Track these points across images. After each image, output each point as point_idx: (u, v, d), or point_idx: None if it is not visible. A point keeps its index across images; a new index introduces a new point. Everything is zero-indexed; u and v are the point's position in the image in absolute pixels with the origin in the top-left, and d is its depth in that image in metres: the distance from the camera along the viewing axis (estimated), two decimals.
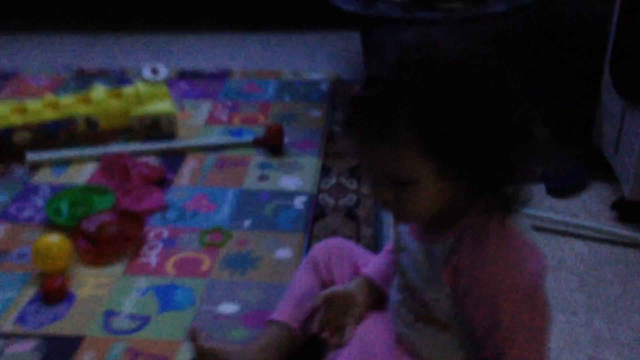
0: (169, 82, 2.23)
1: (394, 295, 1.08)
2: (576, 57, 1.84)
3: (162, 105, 1.96)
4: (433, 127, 0.80)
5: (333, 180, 1.80)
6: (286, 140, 1.96)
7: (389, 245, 1.18)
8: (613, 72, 1.69)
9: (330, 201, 1.71)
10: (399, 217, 0.97)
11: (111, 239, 1.47)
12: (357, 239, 1.54)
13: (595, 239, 1.59)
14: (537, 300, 0.90)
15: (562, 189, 1.77)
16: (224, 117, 2.13)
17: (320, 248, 1.25)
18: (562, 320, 1.35)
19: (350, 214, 1.65)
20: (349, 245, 1.26)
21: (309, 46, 2.78)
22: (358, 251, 1.26)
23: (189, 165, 1.86)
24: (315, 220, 1.63)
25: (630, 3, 1.61)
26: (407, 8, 1.87)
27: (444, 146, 0.81)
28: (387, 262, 1.16)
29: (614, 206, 1.68)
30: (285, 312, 1.18)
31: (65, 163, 1.85)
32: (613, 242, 1.58)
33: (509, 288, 0.88)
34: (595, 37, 1.79)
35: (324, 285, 1.21)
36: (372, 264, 1.18)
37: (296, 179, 1.80)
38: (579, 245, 1.58)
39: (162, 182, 1.76)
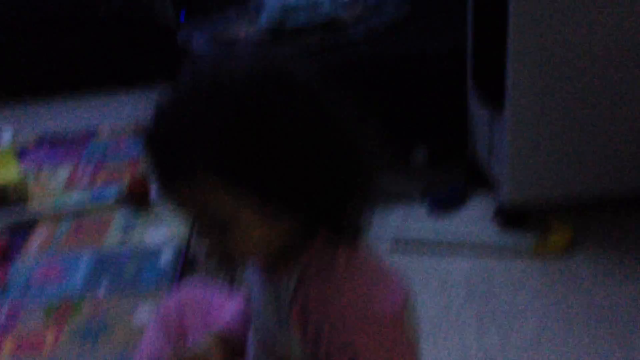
0: (25, 150, 2.05)
1: (250, 348, 0.94)
2: (440, 77, 1.82)
3: (7, 173, 1.77)
4: (231, 163, 0.69)
5: None
6: (153, 193, 1.80)
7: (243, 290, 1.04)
8: (476, 85, 1.67)
9: (200, 253, 1.56)
10: (228, 261, 0.83)
11: None
12: (232, 284, 1.40)
13: (479, 254, 1.52)
14: (398, 333, 0.78)
15: (442, 206, 1.70)
16: (85, 180, 1.95)
17: (171, 303, 1.09)
18: (453, 337, 1.25)
19: (220, 264, 1.50)
20: (206, 294, 1.11)
21: None
22: (216, 298, 1.11)
23: (39, 235, 1.66)
24: (185, 274, 1.47)
25: (483, 19, 1.60)
26: (265, 45, 1.79)
27: (250, 183, 0.70)
28: (243, 308, 1.02)
29: (495, 215, 1.62)
30: None
31: None
32: (499, 255, 1.51)
33: (364, 321, 0.76)
34: (454, 56, 1.77)
35: (176, 347, 1.05)
36: (227, 313, 1.03)
37: (162, 232, 1.63)
38: (464, 262, 1.50)
39: (5, 258, 1.55)
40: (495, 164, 1.61)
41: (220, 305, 1.09)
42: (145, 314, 1.33)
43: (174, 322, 1.05)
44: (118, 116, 2.46)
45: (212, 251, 0.77)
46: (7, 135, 1.84)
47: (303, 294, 0.77)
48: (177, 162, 0.69)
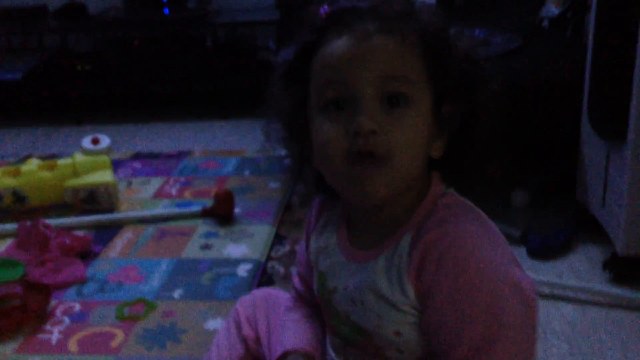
0: (121, 162, 2.07)
1: (332, 353, 0.84)
2: (550, 109, 1.70)
3: (100, 176, 1.78)
4: (440, 53, 0.70)
5: (286, 248, 1.59)
6: (238, 210, 1.77)
7: (291, 300, 0.94)
8: (592, 114, 1.53)
9: (280, 269, 1.49)
10: (379, 157, 0.66)
11: (8, 311, 1.23)
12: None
13: (585, 302, 1.35)
14: (532, 315, 0.67)
15: (545, 249, 1.55)
16: (174, 191, 1.95)
17: (244, 302, 1.02)
18: None
19: None
20: (280, 295, 1.02)
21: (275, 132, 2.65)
22: (285, 296, 1.02)
23: (124, 238, 1.64)
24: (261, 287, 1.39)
25: (605, 48, 1.48)
26: None
27: (445, 78, 0.70)
28: (307, 317, 0.91)
29: (606, 265, 1.45)
30: None
31: None
32: (606, 305, 1.34)
33: (491, 268, 0.65)
34: (566, 87, 1.66)
35: (249, 348, 0.96)
36: (295, 330, 0.91)
37: (243, 246, 1.58)
38: (568, 309, 1.34)
39: (87, 255, 1.54)
40: (611, 209, 1.45)
41: (287, 299, 1.00)
42: (218, 321, 1.26)
43: (246, 320, 0.98)
44: (211, 141, 2.47)
45: (365, 137, 0.64)
46: (106, 142, 1.87)
47: (418, 248, 0.67)
48: (396, 22, 0.68)
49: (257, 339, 0.96)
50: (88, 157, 1.81)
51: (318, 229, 0.84)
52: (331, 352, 0.84)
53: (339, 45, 0.67)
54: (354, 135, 0.65)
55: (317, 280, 0.82)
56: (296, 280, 0.94)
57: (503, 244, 0.70)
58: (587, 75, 1.56)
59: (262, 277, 1.44)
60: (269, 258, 1.53)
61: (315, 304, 0.88)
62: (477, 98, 0.72)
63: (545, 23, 1.99)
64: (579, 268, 1.49)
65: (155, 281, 1.43)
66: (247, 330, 0.97)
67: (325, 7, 0.72)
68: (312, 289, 0.86)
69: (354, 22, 0.68)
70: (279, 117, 0.77)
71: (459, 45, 0.72)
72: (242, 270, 1.46)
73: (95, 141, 1.85)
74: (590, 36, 1.53)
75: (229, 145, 2.43)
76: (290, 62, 0.74)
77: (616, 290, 1.37)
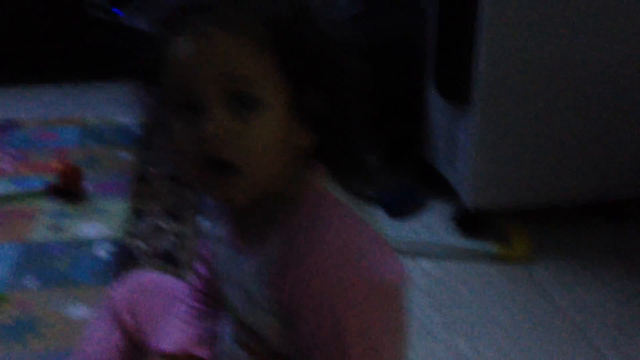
0: None
1: (222, 335, 0.82)
2: (396, 73, 1.76)
3: None
4: (294, 44, 0.61)
5: (146, 223, 1.51)
6: (87, 185, 1.64)
7: (194, 281, 0.91)
8: (436, 77, 1.62)
9: (142, 246, 1.42)
10: (228, 164, 0.61)
11: None
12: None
13: (443, 256, 1.46)
14: (397, 307, 0.68)
15: (400, 208, 1.63)
16: (9, 167, 1.76)
17: (119, 288, 0.95)
18: (423, 345, 1.17)
19: (169, 258, 1.37)
20: (157, 279, 0.98)
21: (115, 94, 2.49)
22: (168, 282, 0.98)
23: None
24: (124, 269, 1.32)
25: (449, 11, 1.56)
26: None
27: (303, 69, 0.61)
28: (198, 309, 0.88)
29: (456, 220, 1.57)
30: None
31: None
32: (462, 258, 1.45)
33: (356, 284, 0.63)
34: (409, 50, 1.73)
35: (131, 339, 0.91)
36: (173, 328, 0.88)
37: (98, 225, 1.48)
38: (426, 264, 1.43)
39: None
40: (457, 167, 1.56)
41: (173, 287, 0.96)
42: (82, 308, 1.18)
43: (127, 311, 0.92)
44: (43, 109, 2.27)
45: (213, 140, 0.59)
46: None
47: (287, 254, 0.63)
48: (240, 15, 0.59)
49: (138, 327, 0.91)
50: None
51: (213, 213, 0.81)
52: (227, 337, 0.82)
53: (180, 45, 0.61)
54: (201, 141, 0.60)
55: (215, 263, 0.80)
56: (199, 265, 0.90)
57: (370, 246, 0.66)
58: (430, 40, 1.63)
59: (124, 256, 1.37)
60: (128, 235, 1.45)
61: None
62: (342, 83, 0.65)
63: None
64: (432, 224, 1.59)
65: (2, 270, 1.29)
66: (127, 319, 0.91)
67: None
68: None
69: (194, 19, 0.61)
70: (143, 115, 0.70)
71: (320, 29, 0.64)
72: (101, 250, 1.37)
73: None
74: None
75: (63, 112, 2.24)
76: (144, 62, 0.67)
77: (467, 243, 1.49)
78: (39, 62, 2.56)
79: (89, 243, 1.40)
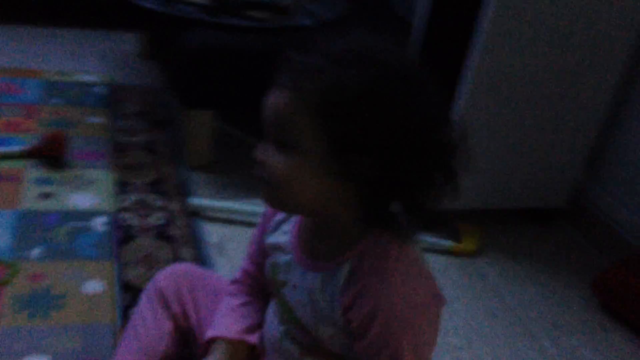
0: None
1: (272, 324, 0.95)
2: None
3: None
4: (338, 113, 0.73)
5: (134, 197, 1.57)
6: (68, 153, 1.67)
7: (240, 275, 1.03)
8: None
9: (135, 221, 1.49)
10: (266, 191, 0.80)
11: None
12: (177, 261, 1.36)
13: None
14: (436, 324, 0.85)
15: None
16: None
17: (165, 277, 1.05)
18: None
19: (162, 234, 1.45)
20: (199, 272, 1.08)
21: (72, 45, 2.44)
22: (211, 276, 1.08)
23: None
24: (122, 244, 1.39)
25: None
26: (213, 12, 1.72)
27: (343, 135, 0.74)
28: (246, 305, 1.00)
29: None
30: None
31: None
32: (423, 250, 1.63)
33: (411, 325, 0.81)
34: None
35: (177, 324, 1.01)
36: (224, 316, 0.98)
37: (88, 196, 1.53)
38: None
39: None
40: None
41: (218, 281, 1.07)
42: (94, 284, 1.25)
43: (174, 298, 1.02)
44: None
45: (256, 169, 0.79)
46: None
47: (358, 284, 0.80)
48: (300, 77, 0.73)
49: (185, 315, 1.02)
50: None
51: (273, 225, 0.92)
52: (270, 325, 0.95)
53: (270, 91, 0.78)
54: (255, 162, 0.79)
55: (270, 268, 0.91)
56: (246, 261, 1.00)
57: (422, 280, 0.81)
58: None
59: (119, 230, 1.43)
60: (119, 209, 1.51)
61: (261, 282, 0.97)
62: (398, 155, 0.73)
63: None
64: None
65: (2, 238, 1.32)
66: (175, 307, 1.01)
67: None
68: (261, 269, 0.94)
69: (285, 76, 0.76)
70: None
71: (390, 103, 0.73)
72: (97, 224, 1.43)
73: None
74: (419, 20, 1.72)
75: (18, 61, 2.18)
76: None
77: (426, 238, 1.67)
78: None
79: (83, 215, 1.44)
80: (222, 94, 1.69)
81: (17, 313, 1.14)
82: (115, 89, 2.11)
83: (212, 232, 1.52)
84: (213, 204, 1.59)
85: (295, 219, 0.89)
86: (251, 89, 1.72)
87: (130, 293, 1.25)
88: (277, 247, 0.90)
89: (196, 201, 1.58)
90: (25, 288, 1.20)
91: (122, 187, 1.60)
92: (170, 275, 1.04)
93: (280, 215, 0.92)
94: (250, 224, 1.58)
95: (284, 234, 0.90)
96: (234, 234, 1.54)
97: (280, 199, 0.79)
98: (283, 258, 0.89)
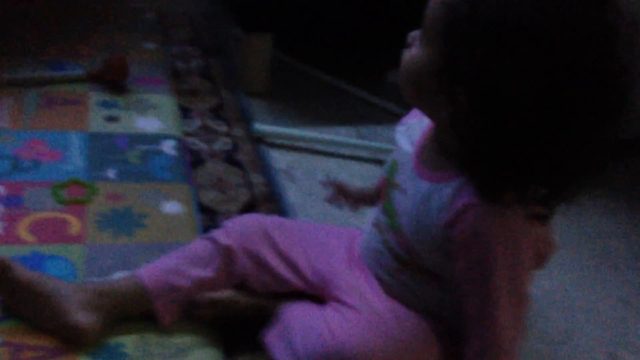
0: None
1: (371, 235, 0.95)
2: None
3: None
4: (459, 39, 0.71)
5: (197, 122, 1.55)
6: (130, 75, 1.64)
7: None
8: None
9: (203, 146, 1.47)
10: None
11: None
12: (249, 186, 1.35)
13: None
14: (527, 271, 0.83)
15: None
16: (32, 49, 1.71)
17: (232, 228, 1.03)
18: None
19: (230, 159, 1.44)
20: (278, 221, 1.07)
21: None
22: (295, 225, 1.08)
23: (5, 104, 1.44)
24: (194, 168, 1.38)
25: None
26: None
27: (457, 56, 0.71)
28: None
29: None
30: (154, 273, 0.96)
31: None
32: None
33: (510, 254, 0.79)
34: None
35: (234, 276, 1.00)
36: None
37: (153, 120, 1.51)
38: None
39: None
40: None
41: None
42: (172, 205, 1.24)
43: (242, 251, 1.00)
44: None
45: None
46: None
47: (461, 206, 0.79)
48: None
49: (261, 267, 0.99)
50: None
51: (404, 128, 0.92)
52: (371, 231, 0.95)
53: None
54: None
55: (389, 165, 0.92)
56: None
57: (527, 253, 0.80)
58: None
59: (188, 154, 1.42)
60: (185, 134, 1.50)
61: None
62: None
63: None
64: None
65: (77, 159, 1.31)
66: (243, 260, 0.99)
67: None
68: None
69: None
70: None
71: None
72: (168, 147, 1.41)
73: None
74: None
75: None
76: None
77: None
78: None
79: (152, 138, 1.43)
80: (283, 16, 1.65)
81: (102, 231, 1.14)
82: (165, 14, 2.06)
83: (279, 159, 1.51)
84: (278, 130, 1.56)
85: (423, 126, 0.88)
86: (314, 12, 1.67)
87: (207, 215, 1.24)
88: (401, 149, 0.91)
89: (260, 127, 1.56)
90: (107, 207, 1.20)
91: (186, 112, 1.58)
92: (238, 228, 1.02)
93: (413, 119, 0.92)
94: (314, 152, 1.55)
95: (410, 137, 0.90)
96: (301, 160, 1.52)
97: (402, 84, 0.82)
98: (403, 158, 0.89)
